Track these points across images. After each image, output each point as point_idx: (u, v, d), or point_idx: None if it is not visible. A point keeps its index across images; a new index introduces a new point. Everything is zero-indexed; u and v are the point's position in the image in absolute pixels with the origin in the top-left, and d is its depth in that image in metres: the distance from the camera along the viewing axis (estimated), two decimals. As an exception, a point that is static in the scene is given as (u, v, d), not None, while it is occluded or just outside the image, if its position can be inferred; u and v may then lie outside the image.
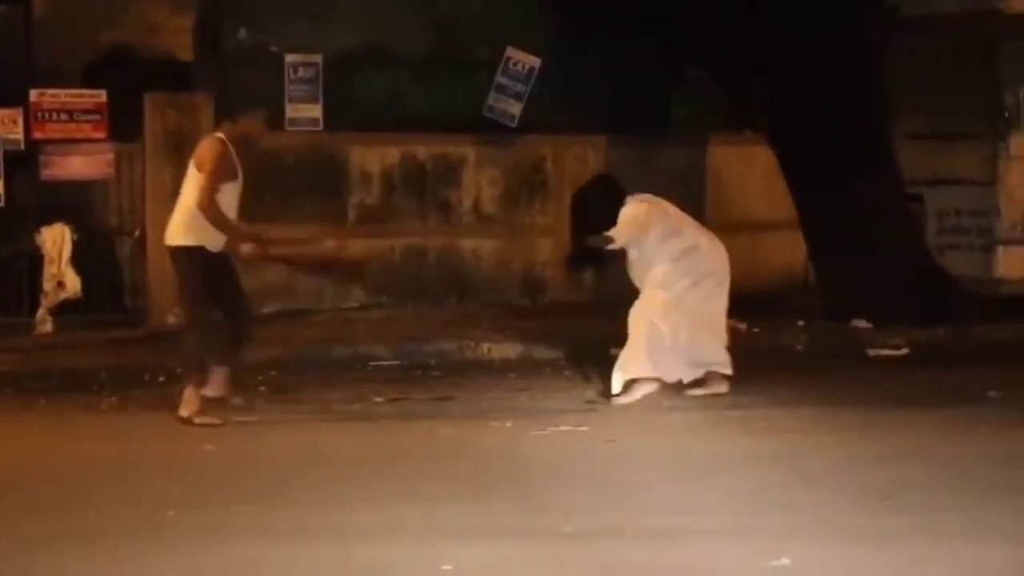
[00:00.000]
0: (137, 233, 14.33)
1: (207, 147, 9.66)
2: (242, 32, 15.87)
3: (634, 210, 10.08)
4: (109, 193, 14.59)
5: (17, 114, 14.23)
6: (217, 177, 9.48)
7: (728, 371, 10.21)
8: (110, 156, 14.38)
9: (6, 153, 14.03)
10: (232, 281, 9.79)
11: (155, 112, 14.45)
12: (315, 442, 9.10)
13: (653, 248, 10.07)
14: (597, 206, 10.18)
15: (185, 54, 17.01)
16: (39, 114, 14.29)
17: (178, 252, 9.70)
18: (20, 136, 14.21)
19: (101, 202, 14.61)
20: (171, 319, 13.72)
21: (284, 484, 7.79)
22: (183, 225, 9.63)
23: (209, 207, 9.44)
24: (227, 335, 9.70)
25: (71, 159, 14.28)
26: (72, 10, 16.96)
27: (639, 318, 10.02)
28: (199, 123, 14.44)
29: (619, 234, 10.03)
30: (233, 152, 9.64)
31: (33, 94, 14.38)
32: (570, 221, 10.67)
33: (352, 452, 8.73)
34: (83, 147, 14.33)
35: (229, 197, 9.58)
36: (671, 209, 10.28)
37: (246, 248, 9.72)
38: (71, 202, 14.28)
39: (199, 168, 9.60)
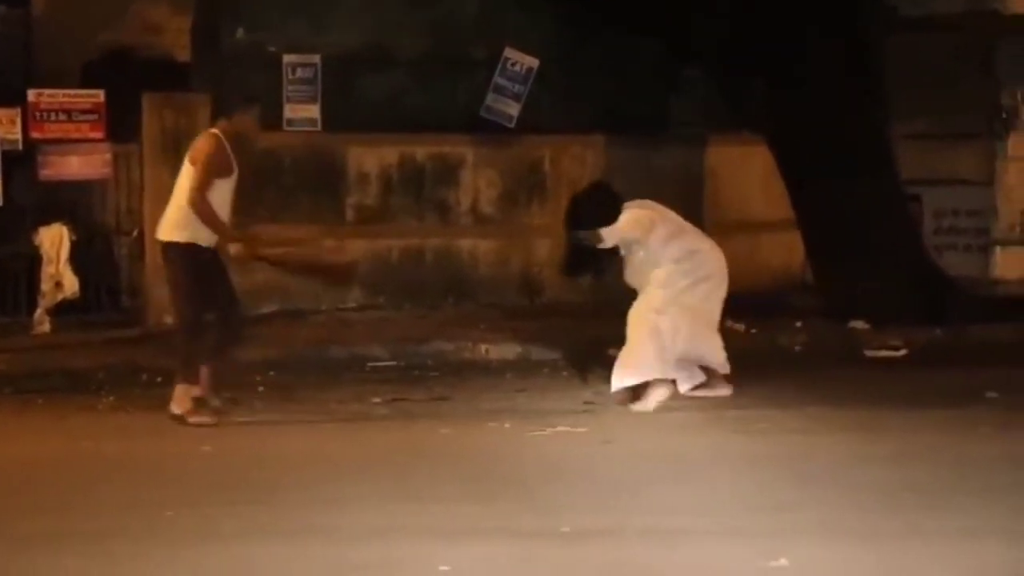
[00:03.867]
0: (135, 233, 14.29)
1: (202, 142, 9.70)
2: (240, 32, 15.84)
3: (636, 213, 10.06)
4: (107, 193, 14.56)
5: (15, 114, 14.16)
6: (209, 173, 9.50)
7: (726, 371, 10.19)
8: (108, 156, 14.31)
9: (4, 153, 13.97)
10: (223, 281, 9.78)
11: (153, 112, 14.41)
12: (313, 443, 9.09)
13: (656, 250, 10.03)
14: (593, 211, 10.13)
15: (183, 55, 16.99)
16: (37, 114, 14.23)
17: (169, 248, 9.68)
18: (18, 136, 14.14)
19: (99, 202, 14.59)
20: (168, 319, 13.69)
21: (282, 485, 7.78)
22: (175, 222, 9.62)
23: (200, 203, 9.45)
24: (216, 335, 9.75)
25: (69, 159, 14.22)
26: (71, 11, 16.96)
27: (640, 319, 9.98)
28: (197, 123, 14.40)
29: (615, 234, 9.99)
30: (229, 148, 9.66)
31: (31, 94, 14.33)
32: (565, 226, 10.53)
33: (350, 453, 8.71)
34: (81, 147, 14.27)
35: (222, 193, 9.57)
36: (671, 214, 10.26)
37: (234, 248, 9.77)
38: (69, 202, 14.25)
39: (193, 163, 9.62)
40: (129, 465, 8.43)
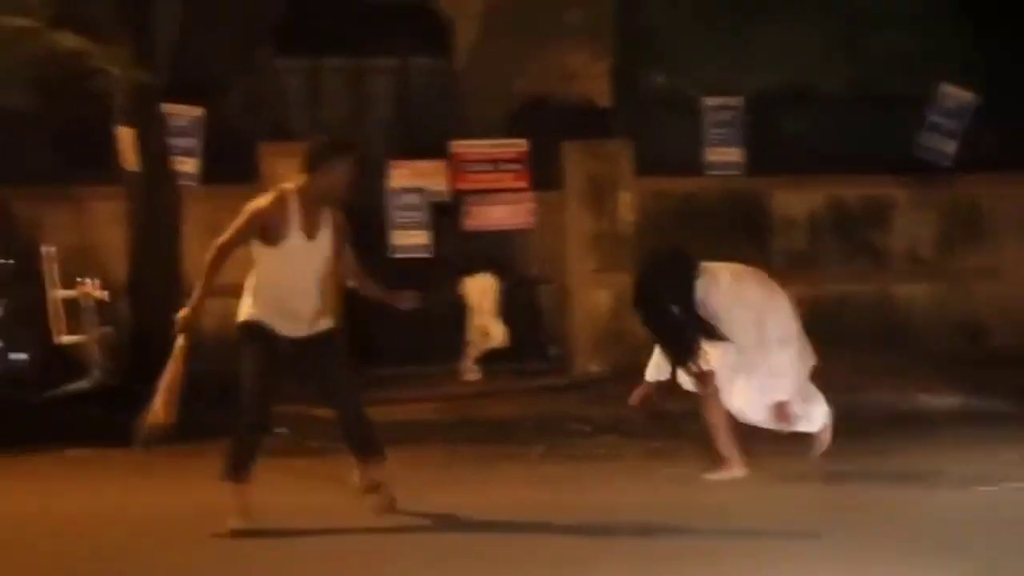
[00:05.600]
0: (553, 283, 14.58)
1: (262, 197, 8.07)
2: (659, 77, 15.97)
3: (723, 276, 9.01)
4: (530, 241, 14.87)
5: (441, 166, 14.68)
6: (241, 231, 7.94)
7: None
8: (531, 205, 14.63)
9: (431, 204, 14.49)
10: (323, 369, 8.11)
11: (574, 160, 14.69)
12: (738, 497, 8.89)
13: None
14: (669, 283, 8.94)
15: (603, 100, 17.23)
16: (462, 165, 14.70)
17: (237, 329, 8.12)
18: (444, 187, 14.65)
19: (522, 251, 14.91)
20: (593, 368, 13.90)
21: (725, 536, 7.68)
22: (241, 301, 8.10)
23: (212, 255, 7.95)
24: (345, 439, 8.21)
25: (493, 208, 14.62)
26: (491, 60, 17.44)
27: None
28: (618, 170, 14.66)
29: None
30: (297, 211, 7.94)
31: (456, 146, 14.82)
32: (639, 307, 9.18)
33: (785, 508, 8.51)
34: (505, 196, 14.64)
35: (279, 267, 7.96)
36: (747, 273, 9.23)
37: (182, 312, 8.03)
38: (493, 251, 14.61)
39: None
40: (561, 516, 8.46)
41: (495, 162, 14.78)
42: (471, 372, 14.05)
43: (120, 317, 12.55)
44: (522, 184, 14.72)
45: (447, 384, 13.70)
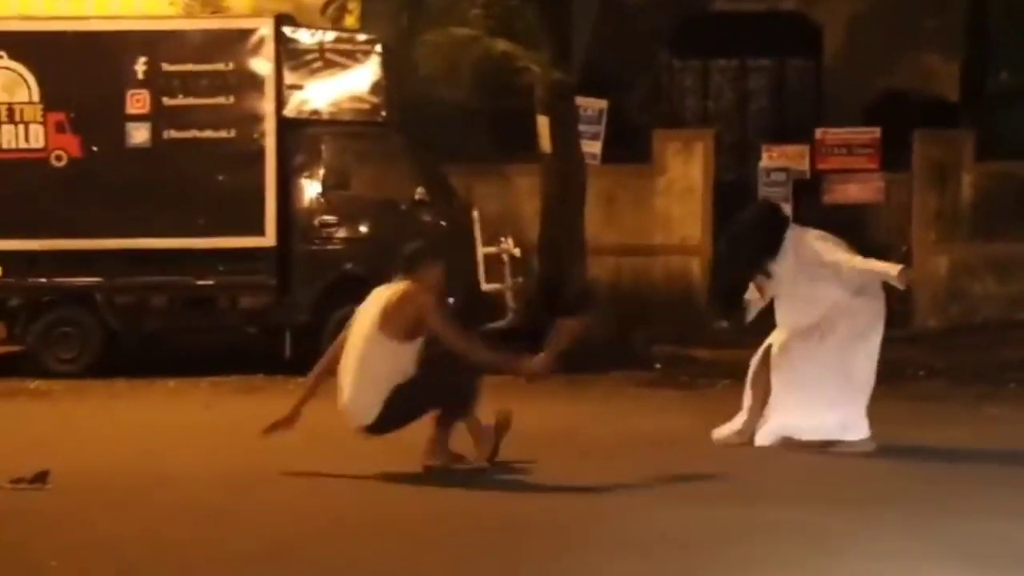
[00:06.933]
0: (904, 248, 14.64)
1: (412, 295, 7.56)
2: (1003, 75, 15.76)
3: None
4: (879, 215, 15.00)
5: (804, 149, 15.02)
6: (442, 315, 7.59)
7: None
8: (880, 184, 14.81)
9: (795, 182, 14.80)
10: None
11: (922, 146, 14.83)
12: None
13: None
14: (758, 235, 8.31)
15: (952, 96, 17.08)
16: (823, 149, 14.97)
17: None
18: (806, 168, 14.97)
19: (872, 222, 15.04)
20: (931, 322, 13.95)
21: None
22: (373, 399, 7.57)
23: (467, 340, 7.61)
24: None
25: (848, 186, 14.84)
26: (856, 60, 17.54)
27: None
28: (960, 155, 14.64)
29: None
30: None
31: (818, 132, 15.12)
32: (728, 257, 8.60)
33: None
34: (858, 176, 14.83)
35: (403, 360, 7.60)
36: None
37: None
38: (848, 222, 14.74)
39: (415, 318, 7.49)
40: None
41: (851, 146, 15.00)
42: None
43: (531, 270, 13.13)
44: (873, 166, 14.89)
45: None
